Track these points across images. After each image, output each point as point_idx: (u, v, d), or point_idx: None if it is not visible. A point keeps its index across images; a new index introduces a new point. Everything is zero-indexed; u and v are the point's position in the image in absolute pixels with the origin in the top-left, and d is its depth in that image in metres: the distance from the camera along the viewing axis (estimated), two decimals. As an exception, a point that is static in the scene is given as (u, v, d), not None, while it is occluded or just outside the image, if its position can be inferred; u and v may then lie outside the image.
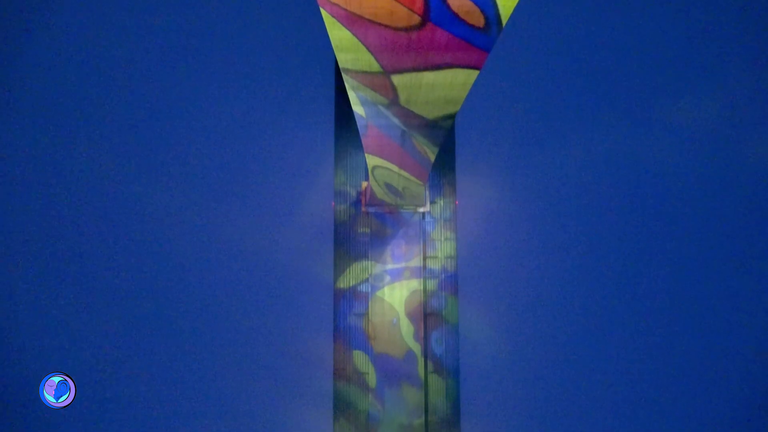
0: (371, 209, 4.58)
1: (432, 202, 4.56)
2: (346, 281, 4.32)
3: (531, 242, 2.99)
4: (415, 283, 4.32)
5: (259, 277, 3.55)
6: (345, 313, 4.26)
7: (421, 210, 4.55)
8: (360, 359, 4.21)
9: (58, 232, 3.18)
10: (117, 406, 3.09)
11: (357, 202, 4.59)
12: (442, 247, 4.35)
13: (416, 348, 4.18)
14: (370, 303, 4.30)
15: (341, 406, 4.09)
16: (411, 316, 4.27)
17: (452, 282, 4.27)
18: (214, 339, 3.40)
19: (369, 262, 4.37)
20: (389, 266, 4.37)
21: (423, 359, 4.20)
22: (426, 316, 4.24)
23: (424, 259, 4.33)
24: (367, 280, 4.33)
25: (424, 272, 4.32)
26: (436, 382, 4.20)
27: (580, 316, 3.44)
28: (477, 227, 3.15)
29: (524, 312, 3.48)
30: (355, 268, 4.37)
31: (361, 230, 4.50)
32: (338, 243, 4.43)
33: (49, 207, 3.15)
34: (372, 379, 4.16)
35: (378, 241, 4.46)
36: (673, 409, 3.25)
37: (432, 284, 4.31)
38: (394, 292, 4.33)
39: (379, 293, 4.32)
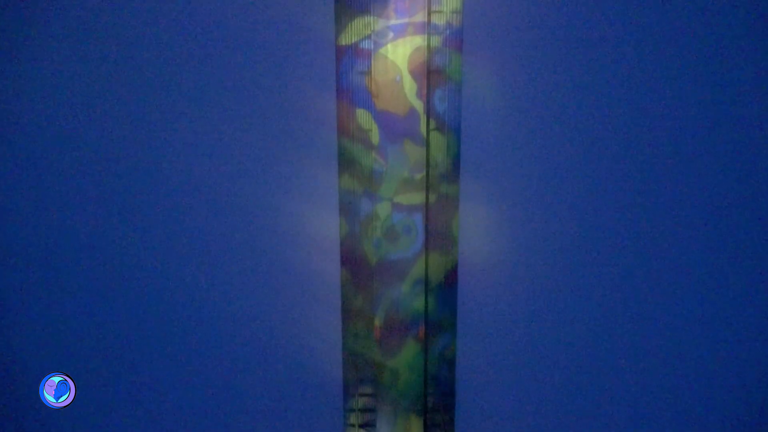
0: None
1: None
2: (347, 38, 4.03)
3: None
4: (419, 40, 4.03)
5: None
6: (347, 71, 4.04)
7: None
8: (363, 117, 4.01)
9: (57, 231, 3.17)
10: (117, 406, 3.10)
11: None
12: (448, 0, 4.03)
13: (419, 105, 3.96)
14: (372, 61, 4.05)
15: (345, 163, 3.98)
16: (414, 73, 4.04)
17: (457, 38, 4.02)
18: (214, 338, 3.38)
19: (371, 17, 4.00)
20: (392, 22, 4.04)
21: (425, 116, 4.00)
22: (429, 73, 4.01)
23: (429, 13, 4.01)
24: (369, 36, 4.04)
25: (428, 28, 4.01)
26: (437, 139, 4.06)
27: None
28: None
29: (527, 73, 3.29)
30: (357, 23, 4.02)
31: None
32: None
33: (49, 206, 3.15)
34: (375, 136, 3.99)
35: (381, -6, 4.49)
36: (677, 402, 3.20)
37: (436, 40, 4.02)
38: (397, 48, 4.06)
39: (382, 50, 4.04)
